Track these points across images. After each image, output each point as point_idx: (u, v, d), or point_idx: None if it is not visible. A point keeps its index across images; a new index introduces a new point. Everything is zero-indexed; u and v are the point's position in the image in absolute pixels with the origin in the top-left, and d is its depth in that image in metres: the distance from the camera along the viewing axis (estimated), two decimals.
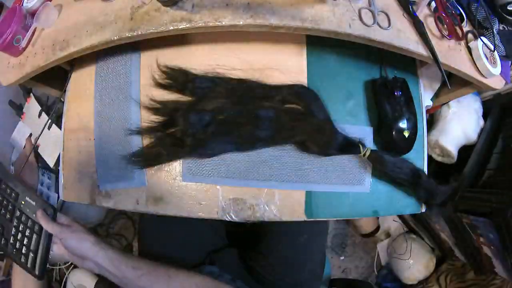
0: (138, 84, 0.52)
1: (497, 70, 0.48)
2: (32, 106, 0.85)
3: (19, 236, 0.46)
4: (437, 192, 0.49)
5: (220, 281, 0.52)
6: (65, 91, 0.58)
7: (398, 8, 0.46)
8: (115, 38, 0.43)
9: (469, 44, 0.49)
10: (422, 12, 0.46)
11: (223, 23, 0.40)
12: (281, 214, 0.49)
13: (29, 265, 0.45)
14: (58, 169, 0.57)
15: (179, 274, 0.47)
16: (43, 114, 0.82)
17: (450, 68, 0.46)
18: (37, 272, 0.45)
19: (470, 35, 0.49)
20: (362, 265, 1.22)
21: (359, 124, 0.51)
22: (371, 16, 0.43)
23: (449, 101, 0.65)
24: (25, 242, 0.46)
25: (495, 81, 0.49)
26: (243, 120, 0.47)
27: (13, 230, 0.47)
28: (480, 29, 0.50)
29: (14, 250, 0.46)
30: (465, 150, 0.72)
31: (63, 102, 0.59)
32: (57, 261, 1.19)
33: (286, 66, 0.51)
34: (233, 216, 0.49)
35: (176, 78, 0.50)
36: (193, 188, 0.50)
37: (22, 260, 0.45)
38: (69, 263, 1.20)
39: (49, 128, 0.78)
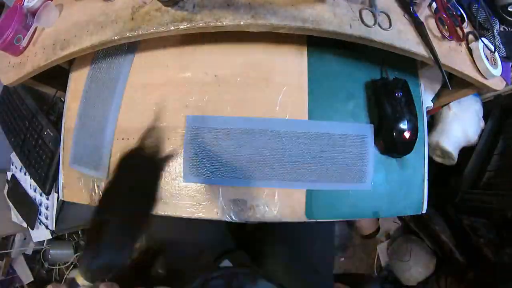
0: (125, 83, 0.53)
1: (497, 71, 0.48)
2: None
3: (38, 159, 0.69)
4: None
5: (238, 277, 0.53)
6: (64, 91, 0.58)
7: (399, 9, 0.46)
8: (116, 38, 0.43)
9: (469, 45, 0.48)
10: (423, 13, 0.46)
11: (224, 23, 0.40)
12: (281, 214, 0.49)
13: (41, 182, 0.67)
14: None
15: None
16: None
17: (450, 69, 0.46)
18: (46, 189, 0.68)
19: (470, 36, 0.49)
20: (362, 267, 1.21)
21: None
22: (372, 17, 0.43)
23: (449, 103, 0.65)
24: (41, 164, 0.68)
25: (496, 82, 0.49)
26: None
27: (35, 154, 0.70)
28: (481, 30, 0.50)
29: (33, 170, 0.71)
30: (466, 152, 0.72)
31: (63, 102, 0.59)
32: (56, 261, 1.19)
33: (286, 66, 0.51)
34: (233, 217, 0.49)
35: None
36: (193, 189, 0.50)
37: (37, 178, 0.69)
38: (69, 263, 1.19)
39: None
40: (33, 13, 0.49)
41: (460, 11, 0.50)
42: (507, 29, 0.53)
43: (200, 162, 0.49)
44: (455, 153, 0.70)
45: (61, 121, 0.58)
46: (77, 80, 0.57)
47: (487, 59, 0.47)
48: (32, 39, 0.50)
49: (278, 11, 0.40)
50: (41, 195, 0.85)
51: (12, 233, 1.15)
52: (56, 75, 0.58)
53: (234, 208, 0.49)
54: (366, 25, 0.42)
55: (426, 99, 0.58)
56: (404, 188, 0.51)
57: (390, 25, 0.43)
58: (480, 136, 0.71)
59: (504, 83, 0.50)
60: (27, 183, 0.89)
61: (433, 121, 0.73)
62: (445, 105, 0.68)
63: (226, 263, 0.60)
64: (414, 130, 0.49)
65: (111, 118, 0.53)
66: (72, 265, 1.21)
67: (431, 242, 1.04)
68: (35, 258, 1.25)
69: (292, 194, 0.49)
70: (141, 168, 0.47)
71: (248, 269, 0.59)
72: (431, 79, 0.59)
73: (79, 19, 0.46)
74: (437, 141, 0.69)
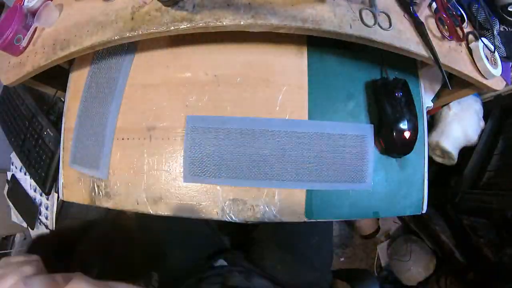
0: (125, 83, 0.53)
1: (497, 71, 0.48)
2: None
3: (38, 159, 0.68)
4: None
5: (232, 275, 0.53)
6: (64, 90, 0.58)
7: (399, 9, 0.46)
8: (116, 38, 0.43)
9: (469, 45, 0.48)
10: (423, 13, 0.46)
11: (224, 23, 0.40)
12: (281, 214, 0.49)
13: (41, 182, 0.66)
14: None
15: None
16: None
17: (450, 69, 0.46)
18: (46, 189, 0.67)
19: (470, 36, 0.49)
20: (362, 267, 1.21)
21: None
22: (372, 17, 0.43)
23: (449, 103, 0.65)
24: (41, 164, 0.67)
25: (496, 82, 0.49)
26: None
27: (35, 154, 0.70)
28: (481, 30, 0.50)
29: (33, 170, 0.69)
30: (466, 152, 0.72)
31: (63, 102, 0.59)
32: None
33: (286, 66, 0.51)
34: (233, 217, 0.49)
35: None
36: (193, 189, 0.50)
37: (37, 178, 0.67)
38: None
39: None
40: (33, 13, 0.49)
41: (460, 11, 0.50)
42: (507, 29, 0.53)
43: (200, 163, 0.49)
44: (455, 153, 0.70)
45: (61, 121, 0.58)
46: (77, 80, 0.57)
47: (487, 59, 0.47)
48: (32, 39, 0.50)
49: (278, 11, 0.40)
50: (41, 195, 0.85)
51: (12, 233, 1.15)
52: (56, 75, 0.58)
53: (234, 208, 0.49)
54: (366, 25, 0.42)
55: (426, 99, 0.58)
56: (404, 188, 0.51)
57: (390, 25, 0.43)
58: (480, 136, 0.71)
59: (504, 83, 0.50)
60: (27, 183, 0.89)
61: (433, 121, 0.73)
62: (445, 105, 0.68)
63: (220, 262, 0.61)
64: (414, 130, 0.49)
65: (111, 118, 0.53)
66: None
67: (431, 242, 1.04)
68: None
69: (292, 194, 0.49)
70: None
71: (243, 267, 0.59)
72: (431, 79, 0.59)
73: (79, 19, 0.46)
74: (437, 141, 0.69)
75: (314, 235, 0.64)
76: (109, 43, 0.44)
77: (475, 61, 0.48)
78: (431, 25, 0.47)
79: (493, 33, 0.49)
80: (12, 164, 0.94)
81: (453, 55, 0.46)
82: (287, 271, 0.63)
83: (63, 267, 0.32)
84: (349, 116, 0.51)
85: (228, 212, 0.49)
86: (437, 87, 0.60)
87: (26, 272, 0.29)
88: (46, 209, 0.86)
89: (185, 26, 0.40)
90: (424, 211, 0.52)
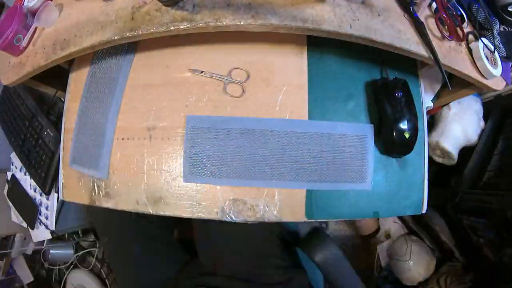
0: (125, 83, 0.53)
1: (497, 71, 0.48)
2: None
3: (38, 159, 0.68)
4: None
5: None
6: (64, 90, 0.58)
7: (399, 9, 0.46)
8: (116, 37, 0.43)
9: (469, 45, 0.48)
10: (423, 13, 0.46)
11: (224, 23, 0.40)
12: (281, 215, 0.49)
13: (41, 182, 0.66)
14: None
15: None
16: None
17: (450, 69, 0.46)
18: (46, 189, 0.67)
19: (470, 36, 0.49)
20: (362, 267, 1.21)
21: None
22: (372, 17, 0.43)
23: (449, 103, 0.65)
24: (41, 164, 0.67)
25: (496, 82, 0.49)
26: None
27: (35, 154, 0.70)
28: (481, 30, 0.50)
29: (33, 170, 0.69)
30: (466, 152, 0.72)
31: (63, 102, 0.59)
32: (56, 261, 1.19)
33: (286, 66, 0.51)
34: (233, 217, 0.49)
35: None
36: (193, 189, 0.50)
37: (37, 178, 0.68)
38: (69, 263, 1.19)
39: None
40: (33, 13, 0.49)
41: (460, 11, 0.50)
42: (507, 29, 0.53)
43: (200, 162, 0.49)
44: (455, 153, 0.70)
45: (61, 121, 0.58)
46: (77, 80, 0.57)
47: (487, 59, 0.47)
48: (32, 39, 0.50)
49: (278, 11, 0.40)
50: (41, 195, 0.85)
51: (12, 233, 1.15)
52: (56, 75, 0.58)
53: (234, 208, 0.49)
54: (366, 25, 0.42)
55: (426, 99, 0.58)
56: (404, 188, 0.51)
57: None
58: (480, 136, 0.71)
59: (504, 83, 0.50)
60: (27, 183, 0.89)
61: (433, 121, 0.73)
62: (445, 105, 0.68)
63: None
64: (414, 130, 0.49)
65: (111, 118, 0.53)
66: (72, 265, 1.21)
67: (431, 242, 1.04)
68: (35, 258, 1.25)
69: (292, 194, 0.49)
70: None
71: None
72: (431, 79, 0.59)
73: (79, 19, 0.46)
74: (437, 141, 0.69)
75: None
76: (109, 43, 0.44)
77: (475, 61, 0.48)
78: (431, 25, 0.47)
79: (493, 33, 0.49)
80: (12, 164, 0.94)
81: (453, 55, 0.46)
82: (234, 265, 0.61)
83: None
84: (349, 116, 0.51)
85: (228, 212, 0.49)
86: (437, 87, 0.60)
87: None
88: (46, 209, 0.86)
89: (185, 26, 0.40)
90: (424, 211, 0.52)
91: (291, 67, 0.51)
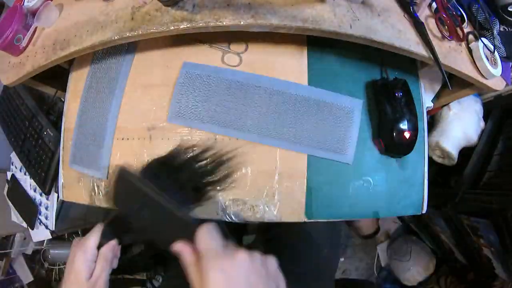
0: (125, 83, 0.53)
1: (497, 71, 0.48)
2: None
3: (38, 159, 0.67)
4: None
5: None
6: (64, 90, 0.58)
7: (399, 9, 0.46)
8: (116, 37, 0.43)
9: (469, 45, 0.48)
10: (423, 13, 0.46)
11: (224, 23, 0.40)
12: (281, 214, 0.49)
13: (41, 182, 0.65)
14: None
15: None
16: None
17: (451, 69, 0.46)
18: (45, 189, 0.66)
19: (470, 36, 0.49)
20: (362, 267, 1.21)
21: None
22: (372, 17, 0.43)
23: (449, 103, 0.65)
24: (41, 164, 0.66)
25: (496, 82, 0.49)
26: None
27: (35, 154, 0.69)
28: (481, 30, 0.50)
29: (33, 170, 0.67)
30: (466, 152, 0.72)
31: (63, 102, 0.59)
32: (56, 261, 1.19)
33: (286, 66, 0.51)
34: (233, 217, 0.49)
35: None
36: None
37: (37, 178, 0.66)
38: None
39: None
40: (33, 13, 0.49)
41: (460, 11, 0.50)
42: (507, 29, 0.53)
43: (187, 106, 0.51)
44: (455, 153, 0.70)
45: (61, 121, 0.58)
46: (77, 80, 0.57)
47: (487, 59, 0.47)
48: (32, 39, 0.50)
49: (278, 11, 0.40)
50: (41, 195, 0.85)
51: (12, 233, 1.15)
52: (56, 75, 0.58)
53: (234, 208, 0.49)
54: (366, 25, 0.42)
55: (426, 99, 0.58)
56: (404, 188, 0.51)
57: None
58: (480, 136, 0.71)
59: (504, 83, 0.50)
60: (27, 183, 0.89)
61: (433, 121, 0.73)
62: (445, 105, 0.68)
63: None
64: (414, 130, 0.49)
65: (111, 118, 0.53)
66: None
67: (431, 242, 1.04)
68: (35, 258, 1.25)
69: (292, 194, 0.49)
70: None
71: None
72: (431, 79, 0.59)
73: (79, 19, 0.46)
74: (437, 141, 0.69)
75: (325, 246, 0.63)
76: (109, 43, 0.44)
77: (475, 61, 0.48)
78: (431, 25, 0.47)
79: (493, 33, 0.49)
80: (12, 164, 0.94)
81: (453, 55, 0.46)
82: (294, 282, 0.63)
83: None
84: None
85: (228, 212, 0.49)
86: (437, 87, 0.60)
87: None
88: (46, 209, 0.86)
89: (185, 26, 0.40)
90: (424, 211, 0.52)
91: (291, 67, 0.51)
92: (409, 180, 0.52)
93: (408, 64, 0.54)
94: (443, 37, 0.46)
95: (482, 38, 0.48)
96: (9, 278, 1.19)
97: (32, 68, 0.49)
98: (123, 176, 0.38)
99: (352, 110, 0.51)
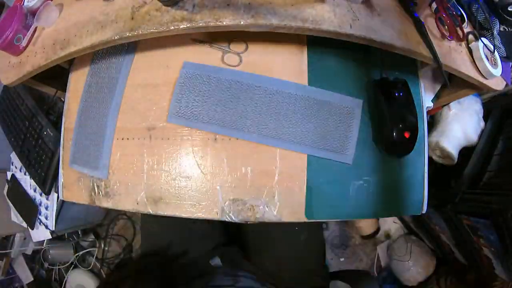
0: (125, 83, 0.53)
1: (497, 71, 0.48)
2: None
3: (38, 159, 0.68)
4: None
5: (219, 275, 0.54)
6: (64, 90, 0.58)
7: (399, 9, 0.46)
8: (116, 37, 0.43)
9: (469, 45, 0.48)
10: (423, 13, 0.46)
11: (224, 23, 0.40)
12: (281, 214, 0.49)
13: (41, 182, 0.65)
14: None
15: None
16: None
17: (450, 69, 0.46)
18: (45, 189, 0.67)
19: (470, 36, 0.49)
20: (362, 267, 1.21)
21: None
22: (372, 17, 0.43)
23: (449, 103, 0.65)
24: (41, 164, 0.67)
25: (496, 82, 0.49)
26: None
27: (35, 154, 0.70)
28: (481, 30, 0.50)
29: (33, 170, 0.69)
30: (466, 152, 0.72)
31: (63, 102, 0.59)
32: (56, 261, 1.19)
33: (286, 66, 0.51)
34: (233, 217, 0.49)
35: None
36: (193, 189, 0.50)
37: (36, 178, 0.67)
38: (69, 263, 1.19)
39: None
40: (33, 13, 0.49)
41: (460, 11, 0.50)
42: (507, 29, 0.53)
43: (187, 106, 0.50)
44: (455, 153, 0.70)
45: (61, 121, 0.58)
46: (77, 80, 0.57)
47: (487, 59, 0.47)
48: (32, 39, 0.50)
49: (278, 11, 0.40)
50: (41, 195, 0.85)
51: (12, 233, 1.16)
52: (56, 75, 0.58)
53: (234, 208, 0.49)
54: (366, 25, 0.42)
55: (426, 99, 0.58)
56: (404, 188, 0.51)
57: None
58: (480, 136, 0.71)
59: (504, 83, 0.50)
60: (27, 183, 0.89)
61: (433, 121, 0.73)
62: (445, 105, 0.68)
63: (216, 261, 0.61)
64: (414, 130, 0.49)
65: (111, 118, 0.53)
66: (72, 265, 1.21)
67: (431, 242, 1.04)
68: (35, 258, 1.25)
69: (292, 194, 0.49)
70: None
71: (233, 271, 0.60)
72: (431, 79, 0.59)
73: (79, 19, 0.46)
74: (437, 141, 0.69)
75: (303, 231, 0.66)
76: (109, 43, 0.44)
77: (475, 61, 0.48)
78: (431, 25, 0.47)
79: (493, 33, 0.49)
80: (12, 164, 0.94)
81: (453, 55, 0.46)
82: (275, 269, 0.64)
83: None
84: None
85: (228, 212, 0.49)
86: (437, 87, 0.60)
87: None
88: (46, 209, 0.86)
89: (185, 26, 0.40)
90: (424, 211, 0.52)
91: (291, 66, 0.51)
92: (409, 180, 0.52)
93: (408, 64, 0.54)
94: (443, 37, 0.46)
95: (482, 38, 0.48)
96: (9, 278, 1.19)
97: (32, 68, 0.49)
98: None
99: (352, 110, 0.51)
